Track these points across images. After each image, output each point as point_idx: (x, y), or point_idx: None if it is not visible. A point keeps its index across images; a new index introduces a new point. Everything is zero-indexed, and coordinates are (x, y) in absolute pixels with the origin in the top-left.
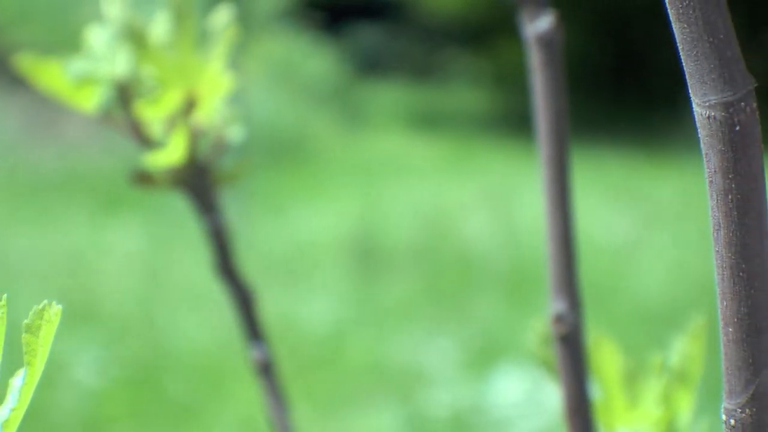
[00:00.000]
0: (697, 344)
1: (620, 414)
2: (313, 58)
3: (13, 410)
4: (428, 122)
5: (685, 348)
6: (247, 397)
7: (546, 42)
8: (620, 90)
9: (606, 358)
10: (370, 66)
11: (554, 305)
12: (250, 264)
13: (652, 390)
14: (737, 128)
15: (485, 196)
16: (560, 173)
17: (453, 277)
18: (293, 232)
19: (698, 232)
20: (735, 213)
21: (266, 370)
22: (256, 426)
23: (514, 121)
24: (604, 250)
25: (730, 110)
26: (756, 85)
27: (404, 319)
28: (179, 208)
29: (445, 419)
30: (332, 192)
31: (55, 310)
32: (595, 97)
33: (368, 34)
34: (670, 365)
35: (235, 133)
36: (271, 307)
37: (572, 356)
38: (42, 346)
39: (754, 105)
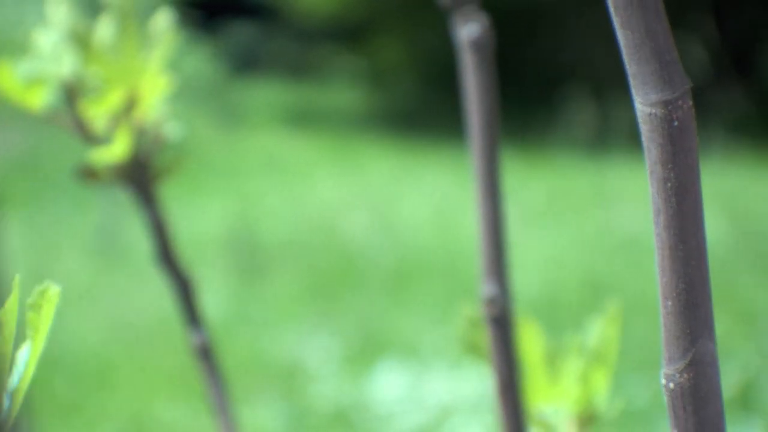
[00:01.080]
0: (613, 327)
1: (543, 392)
2: (190, 57)
3: (20, 381)
4: (306, 120)
5: (602, 330)
6: (133, 393)
7: (479, 46)
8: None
9: (529, 340)
10: (247, 64)
11: (486, 288)
12: (130, 263)
13: (571, 370)
14: (675, 123)
15: (364, 193)
16: (491, 166)
17: (334, 274)
18: (172, 230)
19: (571, 230)
20: (673, 199)
21: (205, 355)
22: (144, 422)
23: (392, 119)
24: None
25: (669, 108)
26: (692, 85)
27: (286, 315)
28: (62, 205)
29: (328, 415)
30: (211, 191)
31: (55, 291)
32: None
33: (244, 33)
34: (588, 346)
35: (172, 130)
36: (152, 307)
37: (503, 337)
38: (43, 323)
39: (690, 103)
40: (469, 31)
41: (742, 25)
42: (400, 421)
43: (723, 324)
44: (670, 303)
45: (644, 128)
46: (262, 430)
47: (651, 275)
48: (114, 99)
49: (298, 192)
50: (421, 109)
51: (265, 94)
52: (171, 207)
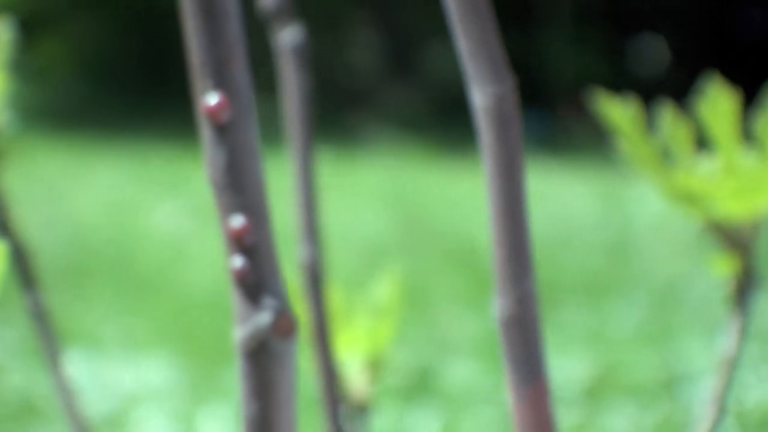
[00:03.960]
0: (395, 288)
1: (341, 342)
2: None
3: None
4: None
5: (385, 291)
6: None
7: (297, 52)
8: (164, 86)
9: (332, 297)
10: None
11: (303, 250)
12: None
13: (361, 323)
14: (503, 113)
15: (42, 188)
16: (307, 163)
17: (9, 271)
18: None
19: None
20: (502, 172)
21: (40, 316)
22: None
23: (56, 116)
24: (160, 241)
25: (499, 100)
26: (515, 82)
27: None
28: None
29: (15, 404)
30: None
31: (3, 248)
32: (136, 93)
33: None
34: (373, 304)
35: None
36: None
37: (316, 292)
38: None
39: (515, 96)
40: (288, 38)
41: (408, 22)
42: (88, 411)
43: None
44: (500, 251)
45: (480, 118)
46: None
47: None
48: None
49: None
50: (86, 106)
51: None
52: None
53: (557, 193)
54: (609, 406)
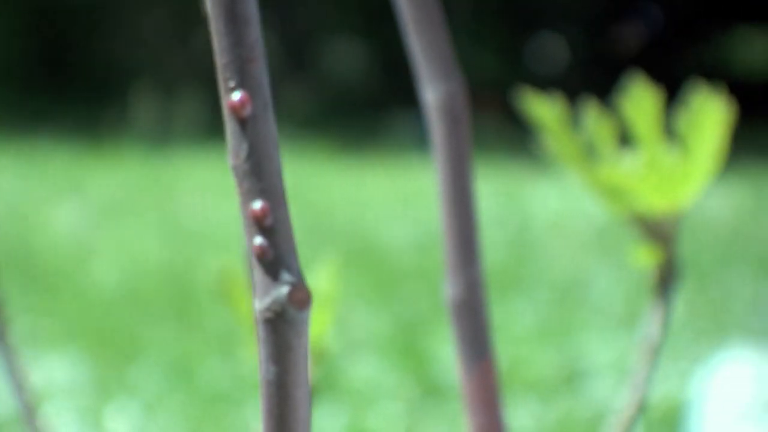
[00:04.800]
0: (333, 276)
1: None
2: None
3: None
4: None
5: (325, 278)
6: None
7: None
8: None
9: None
10: None
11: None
12: None
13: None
14: (454, 109)
15: None
16: None
17: None
18: None
19: (145, 222)
20: (452, 164)
21: None
22: None
23: None
24: (64, 240)
25: (450, 98)
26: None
27: None
28: None
29: None
30: None
31: None
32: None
33: None
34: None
35: None
36: None
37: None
38: None
39: (463, 92)
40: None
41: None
42: None
43: None
44: (450, 240)
45: (432, 114)
46: None
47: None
48: None
49: None
50: None
51: None
52: None
53: None
54: (511, 401)
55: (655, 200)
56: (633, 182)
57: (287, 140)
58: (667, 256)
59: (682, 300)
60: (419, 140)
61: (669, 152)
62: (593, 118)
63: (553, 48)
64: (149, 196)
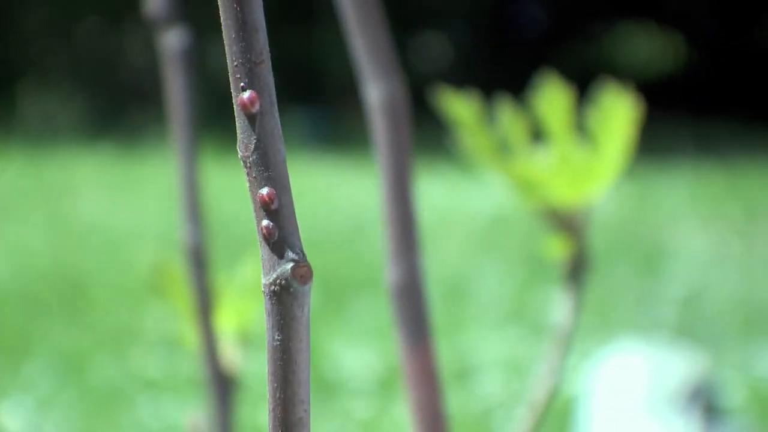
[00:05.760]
0: (257, 268)
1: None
2: None
3: None
4: None
5: (251, 272)
6: None
7: (182, 55)
8: None
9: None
10: None
11: (187, 233)
12: None
13: (231, 302)
14: (395, 107)
15: None
16: (191, 154)
17: None
18: None
19: (38, 221)
20: (394, 159)
21: None
22: None
23: None
24: None
25: (392, 96)
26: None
27: None
28: None
29: None
30: None
31: None
32: None
33: None
34: (242, 283)
35: None
36: None
37: (199, 272)
38: None
39: (403, 93)
40: (173, 41)
41: (187, 21)
42: None
43: None
44: (392, 229)
45: (374, 112)
46: None
47: (115, 259)
48: None
49: None
50: None
51: None
52: None
53: (345, 188)
54: (402, 397)
55: (567, 194)
56: (545, 177)
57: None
58: (578, 247)
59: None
60: (310, 137)
61: (579, 148)
62: (507, 115)
63: (436, 47)
64: (37, 194)
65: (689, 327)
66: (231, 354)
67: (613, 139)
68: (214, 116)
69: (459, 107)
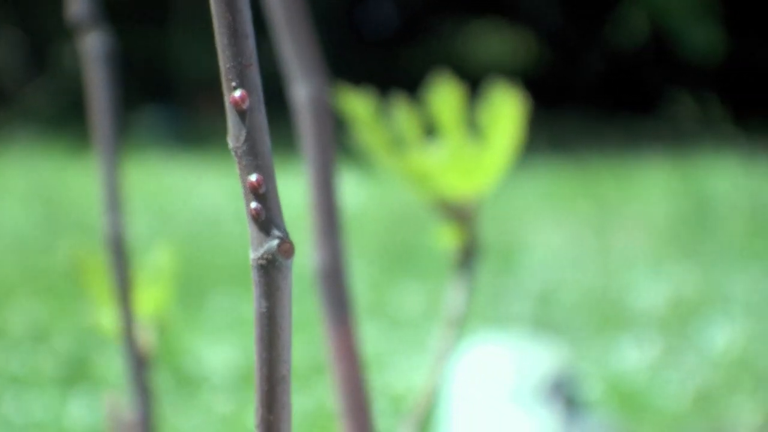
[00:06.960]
0: (170, 257)
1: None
2: None
3: None
4: None
5: (162, 260)
6: None
7: (105, 57)
8: None
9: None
10: None
11: (108, 222)
12: None
13: (147, 291)
14: (321, 106)
15: None
16: (113, 151)
17: None
18: None
19: None
20: (319, 152)
21: None
22: None
23: None
24: None
25: (318, 95)
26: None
27: None
28: None
29: None
30: None
31: None
32: None
33: None
34: (152, 272)
35: None
36: None
37: (120, 259)
38: None
39: (327, 92)
40: (96, 43)
41: (46, 21)
42: None
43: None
44: (317, 216)
45: (300, 109)
46: None
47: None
48: None
49: None
50: None
51: None
52: None
53: (200, 187)
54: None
55: (458, 186)
56: (438, 170)
57: (31, 140)
58: (469, 236)
59: (423, 291)
60: (165, 136)
61: (470, 143)
62: (402, 112)
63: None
64: None
65: (546, 322)
66: (145, 337)
67: (501, 135)
68: (73, 115)
69: (356, 105)
